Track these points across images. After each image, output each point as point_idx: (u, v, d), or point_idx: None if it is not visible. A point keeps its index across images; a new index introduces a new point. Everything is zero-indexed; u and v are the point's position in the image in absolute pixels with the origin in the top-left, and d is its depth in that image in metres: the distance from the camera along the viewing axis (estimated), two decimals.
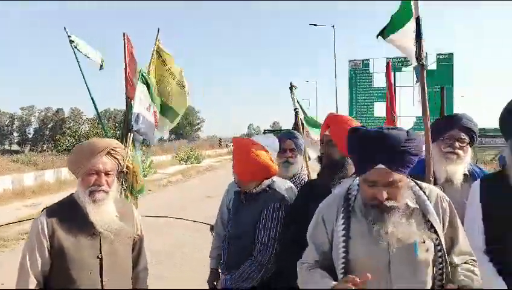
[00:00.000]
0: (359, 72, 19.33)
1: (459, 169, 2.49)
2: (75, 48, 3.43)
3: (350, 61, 19.82)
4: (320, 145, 2.50)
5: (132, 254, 2.37)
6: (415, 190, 1.78)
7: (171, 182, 19.62)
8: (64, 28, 3.45)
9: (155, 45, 3.89)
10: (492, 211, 2.02)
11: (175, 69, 4.00)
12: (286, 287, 2.37)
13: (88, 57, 3.58)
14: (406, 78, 17.36)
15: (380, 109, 16.79)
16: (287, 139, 3.43)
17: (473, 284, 1.66)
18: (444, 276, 1.70)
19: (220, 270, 2.88)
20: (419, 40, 2.39)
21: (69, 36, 3.41)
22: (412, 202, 1.73)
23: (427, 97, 2.52)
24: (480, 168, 2.64)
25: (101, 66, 3.76)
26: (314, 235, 1.88)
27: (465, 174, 2.53)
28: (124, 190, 3.62)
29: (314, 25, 27.84)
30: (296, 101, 4.77)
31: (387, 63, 4.39)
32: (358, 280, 1.55)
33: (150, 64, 3.87)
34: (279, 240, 2.45)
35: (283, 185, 2.83)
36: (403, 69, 18.66)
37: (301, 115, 4.79)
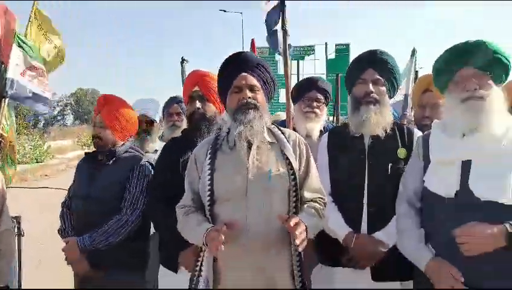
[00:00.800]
0: (266, 60, 19.86)
1: (316, 126, 2.77)
2: None
3: (257, 48, 20.31)
4: (188, 103, 2.47)
5: None
6: (275, 130, 2.00)
7: (70, 166, 18.47)
8: None
9: (33, 7, 3.70)
10: (335, 159, 2.28)
11: (51, 34, 3.84)
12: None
13: None
14: (308, 66, 18.26)
15: (284, 96, 17.44)
16: (173, 104, 3.51)
17: (312, 219, 1.84)
18: (298, 209, 1.88)
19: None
20: (283, 7, 2.58)
21: None
22: (270, 138, 1.95)
23: (290, 64, 2.75)
24: (333, 125, 2.96)
25: None
26: (188, 175, 2.02)
27: (321, 131, 2.83)
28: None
29: (224, 11, 27.97)
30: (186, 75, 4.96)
31: (252, 41, 4.54)
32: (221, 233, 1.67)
33: (27, 27, 3.67)
34: (146, 196, 2.50)
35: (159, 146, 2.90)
36: (306, 57, 19.67)
37: None
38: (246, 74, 1.98)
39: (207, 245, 1.75)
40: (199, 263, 1.90)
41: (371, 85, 2.20)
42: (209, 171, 1.87)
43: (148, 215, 2.47)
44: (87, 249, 2.41)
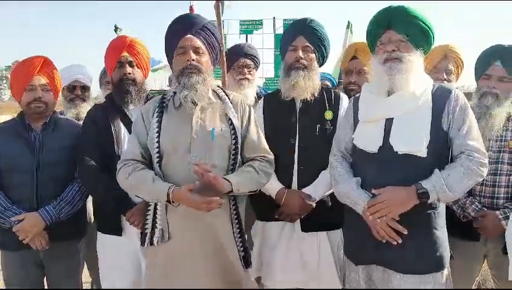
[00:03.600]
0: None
1: (250, 91, 2.91)
2: None
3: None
4: (115, 68, 2.43)
5: None
6: (220, 92, 2.12)
7: None
8: None
9: None
10: (268, 122, 2.42)
11: None
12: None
13: None
14: (257, 41, 18.20)
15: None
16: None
17: (241, 175, 1.98)
18: (237, 162, 2.03)
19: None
20: None
21: None
22: (216, 99, 2.07)
23: (223, 32, 2.85)
24: (265, 91, 3.11)
25: None
26: (135, 129, 2.11)
27: (255, 97, 2.98)
28: None
29: None
30: None
31: (190, 8, 4.44)
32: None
33: None
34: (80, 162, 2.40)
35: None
36: (254, 32, 19.60)
37: None
38: (191, 35, 2.04)
39: (172, 202, 1.88)
40: (150, 216, 2.01)
41: (300, 52, 2.34)
42: (157, 130, 2.00)
43: (84, 182, 2.40)
44: (52, 222, 2.34)
